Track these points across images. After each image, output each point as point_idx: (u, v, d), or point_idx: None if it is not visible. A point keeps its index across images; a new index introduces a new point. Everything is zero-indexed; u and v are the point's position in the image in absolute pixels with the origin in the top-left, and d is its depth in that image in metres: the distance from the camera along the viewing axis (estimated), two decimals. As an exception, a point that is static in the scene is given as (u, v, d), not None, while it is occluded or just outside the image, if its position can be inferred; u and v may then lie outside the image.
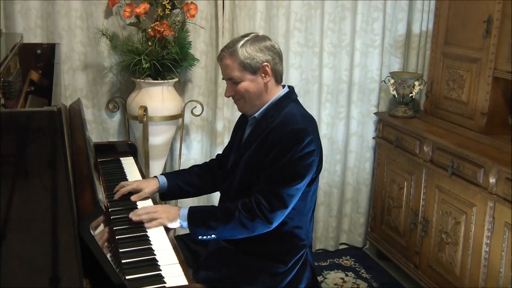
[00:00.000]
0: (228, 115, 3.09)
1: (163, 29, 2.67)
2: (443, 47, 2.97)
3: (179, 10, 2.82)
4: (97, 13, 2.82)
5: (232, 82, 1.89)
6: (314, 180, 1.92)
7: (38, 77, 2.09)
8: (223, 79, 1.96)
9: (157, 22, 2.69)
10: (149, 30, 2.70)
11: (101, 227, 1.51)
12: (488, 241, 2.40)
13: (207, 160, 2.30)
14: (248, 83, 1.88)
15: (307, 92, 3.23)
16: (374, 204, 3.40)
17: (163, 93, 2.78)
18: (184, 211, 1.83)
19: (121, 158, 2.33)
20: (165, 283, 1.44)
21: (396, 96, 3.19)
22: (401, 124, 3.04)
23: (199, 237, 1.82)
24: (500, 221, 2.32)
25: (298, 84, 3.18)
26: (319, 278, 3.07)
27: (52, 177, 1.11)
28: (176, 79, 2.86)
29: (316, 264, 3.22)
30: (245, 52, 1.85)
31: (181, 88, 3.02)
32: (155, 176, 2.08)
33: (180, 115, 2.91)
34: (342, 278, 3.14)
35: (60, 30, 2.76)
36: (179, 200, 2.88)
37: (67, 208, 1.13)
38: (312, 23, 3.16)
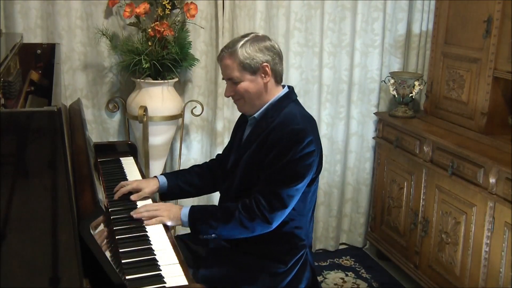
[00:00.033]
0: (228, 115, 3.09)
1: (163, 29, 2.67)
2: (443, 47, 2.97)
3: (179, 10, 2.82)
4: (97, 13, 2.82)
5: (232, 82, 1.90)
6: (314, 180, 1.92)
7: (38, 77, 2.09)
8: (223, 79, 1.97)
9: (157, 22, 2.70)
10: (149, 30, 2.70)
11: (101, 227, 1.51)
12: (488, 241, 2.40)
13: (207, 160, 2.31)
14: (247, 83, 1.88)
15: (307, 92, 3.23)
16: (374, 204, 3.40)
17: (163, 93, 2.78)
18: (186, 210, 1.84)
19: (121, 158, 2.33)
20: (165, 283, 1.44)
21: (396, 96, 3.19)
22: (401, 124, 3.04)
23: (200, 236, 1.82)
24: (500, 221, 2.32)
25: (298, 84, 3.18)
26: (319, 278, 3.07)
27: (52, 177, 1.11)
28: (176, 79, 2.86)
29: (316, 264, 3.22)
30: (245, 52, 1.85)
31: (181, 88, 3.02)
32: (155, 176, 2.08)
33: (180, 115, 2.91)
34: (342, 278, 3.14)
35: (60, 30, 2.76)
36: (179, 200, 2.88)
37: (67, 208, 1.13)
38: (312, 23, 3.16)
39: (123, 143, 2.47)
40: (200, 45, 2.98)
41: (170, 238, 1.71)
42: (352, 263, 3.34)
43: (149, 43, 2.70)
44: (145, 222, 1.77)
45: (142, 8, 2.70)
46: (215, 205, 2.07)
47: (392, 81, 3.19)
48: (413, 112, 3.19)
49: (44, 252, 1.14)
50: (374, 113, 3.35)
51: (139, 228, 1.74)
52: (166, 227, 1.79)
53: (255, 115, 1.94)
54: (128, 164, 2.28)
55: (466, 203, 2.53)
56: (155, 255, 1.58)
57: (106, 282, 1.28)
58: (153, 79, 2.76)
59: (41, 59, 2.24)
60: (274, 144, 1.81)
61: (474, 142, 2.65)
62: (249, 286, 1.87)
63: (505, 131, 2.62)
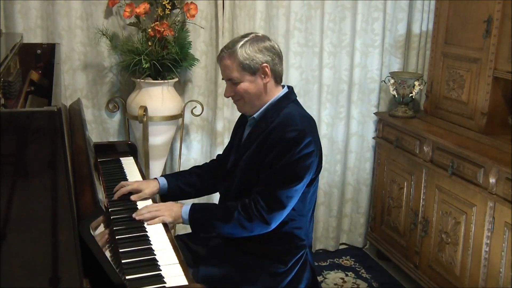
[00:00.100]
0: (228, 115, 3.09)
1: (163, 29, 2.67)
2: (443, 47, 2.97)
3: (179, 10, 2.82)
4: (97, 13, 2.82)
5: (232, 82, 1.90)
6: (314, 180, 1.92)
7: (38, 77, 2.09)
8: (222, 79, 1.97)
9: (157, 22, 2.69)
10: (149, 30, 2.70)
11: (101, 227, 1.51)
12: (488, 241, 2.40)
13: (207, 160, 2.31)
14: (247, 84, 1.88)
15: (307, 92, 3.23)
16: (374, 204, 3.40)
17: (163, 93, 2.78)
18: (186, 208, 1.85)
19: (121, 158, 2.33)
20: (165, 283, 1.44)
21: (396, 96, 3.19)
22: (401, 124, 3.04)
23: (200, 234, 1.83)
24: (500, 221, 2.32)
25: (298, 84, 3.18)
26: (319, 278, 3.07)
27: (52, 177, 1.11)
28: (176, 79, 2.86)
29: (316, 264, 3.22)
30: (244, 53, 1.85)
31: (181, 88, 3.02)
32: (155, 178, 2.09)
33: (180, 115, 2.91)
34: (342, 278, 3.14)
35: (60, 30, 2.76)
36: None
37: (67, 208, 1.13)
38: (312, 23, 3.16)
39: (123, 143, 2.48)
40: (200, 45, 2.98)
41: (170, 238, 1.71)
42: (352, 263, 3.34)
43: (149, 43, 2.70)
44: (147, 222, 1.77)
45: (142, 8, 2.70)
46: (215, 204, 2.07)
47: (392, 81, 3.19)
48: (413, 112, 3.19)
49: (44, 252, 1.14)
50: (374, 113, 3.35)
51: (139, 228, 1.74)
52: (166, 227, 1.79)
53: (255, 115, 1.94)
54: (128, 164, 2.28)
55: (466, 203, 2.53)
56: (155, 255, 1.58)
57: (106, 282, 1.28)
58: (153, 79, 2.76)
59: (41, 59, 2.24)
60: (274, 145, 1.81)
61: (474, 142, 2.65)
62: (249, 286, 1.87)
63: (505, 131, 2.62)
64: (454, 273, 2.63)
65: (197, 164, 2.42)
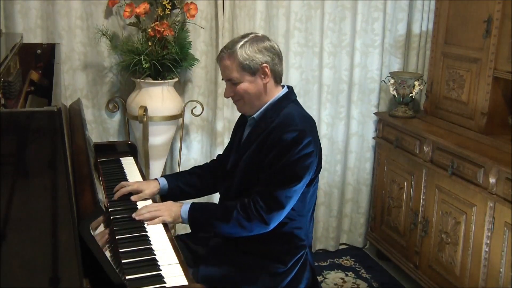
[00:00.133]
0: (228, 115, 3.09)
1: (163, 29, 2.67)
2: (443, 47, 2.97)
3: (179, 10, 2.82)
4: (97, 13, 2.82)
5: (232, 83, 1.89)
6: (314, 180, 1.92)
7: (38, 77, 2.09)
8: (222, 79, 1.96)
9: (157, 22, 2.70)
10: (149, 30, 2.70)
11: (101, 227, 1.51)
12: (488, 241, 2.40)
13: (207, 160, 2.31)
14: (247, 84, 1.88)
15: (307, 92, 3.23)
16: (374, 204, 3.40)
17: (163, 93, 2.78)
18: (186, 207, 1.85)
19: (121, 158, 2.33)
20: (165, 283, 1.44)
21: (396, 96, 3.19)
22: (401, 124, 3.04)
23: (200, 233, 1.83)
24: (500, 221, 2.32)
25: (298, 84, 3.18)
26: (319, 278, 3.07)
27: (52, 177, 1.11)
28: (176, 79, 2.86)
29: (316, 264, 3.22)
30: (244, 53, 1.85)
31: (181, 88, 3.02)
32: (156, 179, 2.09)
33: (180, 115, 2.91)
34: (342, 278, 3.14)
35: (60, 30, 2.76)
36: (179, 200, 2.88)
37: (67, 208, 1.13)
38: (312, 23, 3.16)
39: (123, 143, 2.47)
40: (200, 45, 2.98)
41: (170, 238, 1.71)
42: (352, 263, 3.34)
43: (149, 43, 2.70)
44: (147, 222, 1.77)
45: (142, 8, 2.70)
46: (215, 203, 2.07)
47: (392, 81, 3.19)
48: (413, 112, 3.19)
49: (44, 252, 1.14)
50: (374, 113, 3.35)
51: (139, 228, 1.74)
52: (166, 227, 1.79)
53: (255, 115, 1.94)
54: (128, 164, 2.28)
55: (466, 203, 2.53)
56: (155, 255, 1.58)
57: (106, 282, 1.28)
58: (153, 79, 2.76)
59: (41, 59, 2.24)
60: (274, 145, 1.81)
61: (474, 142, 2.65)
62: (249, 286, 1.87)
63: (505, 131, 2.62)
64: (454, 273, 2.63)
65: (197, 164, 2.42)
